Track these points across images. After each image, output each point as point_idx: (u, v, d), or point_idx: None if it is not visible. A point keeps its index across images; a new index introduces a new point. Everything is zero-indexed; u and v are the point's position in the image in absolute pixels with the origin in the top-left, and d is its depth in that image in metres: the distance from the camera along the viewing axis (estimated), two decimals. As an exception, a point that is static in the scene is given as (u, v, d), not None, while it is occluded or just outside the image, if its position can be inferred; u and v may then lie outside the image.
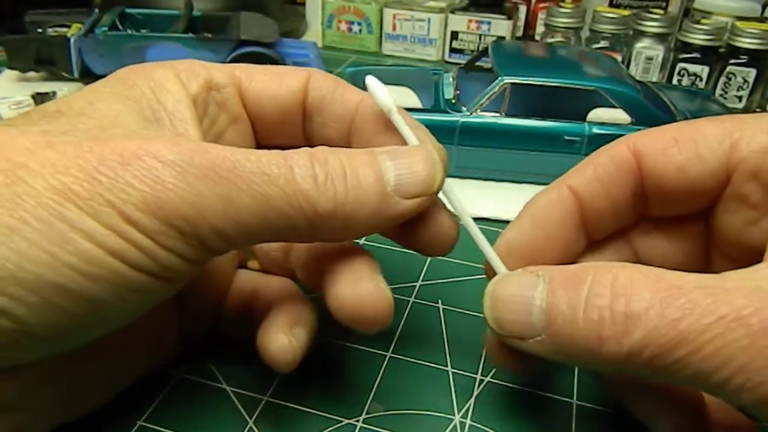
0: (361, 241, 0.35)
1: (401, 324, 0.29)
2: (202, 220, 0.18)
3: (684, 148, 0.22)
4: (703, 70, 0.57)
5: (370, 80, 0.23)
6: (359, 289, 0.21)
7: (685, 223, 0.24)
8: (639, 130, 0.39)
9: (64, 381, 0.21)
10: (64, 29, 0.54)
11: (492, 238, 0.37)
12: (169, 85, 0.23)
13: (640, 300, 0.17)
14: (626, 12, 0.61)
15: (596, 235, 0.24)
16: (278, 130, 0.26)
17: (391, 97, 0.23)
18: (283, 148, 0.20)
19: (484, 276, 0.33)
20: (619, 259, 0.24)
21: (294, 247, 0.26)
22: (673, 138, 0.22)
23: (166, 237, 0.18)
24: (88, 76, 0.52)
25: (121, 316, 0.19)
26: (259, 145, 0.26)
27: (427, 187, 0.21)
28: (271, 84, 0.25)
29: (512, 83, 0.40)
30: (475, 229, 0.23)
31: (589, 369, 0.23)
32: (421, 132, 0.23)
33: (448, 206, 0.23)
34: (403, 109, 0.23)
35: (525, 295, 0.20)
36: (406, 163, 0.21)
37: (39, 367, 0.19)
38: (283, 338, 0.22)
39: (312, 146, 0.21)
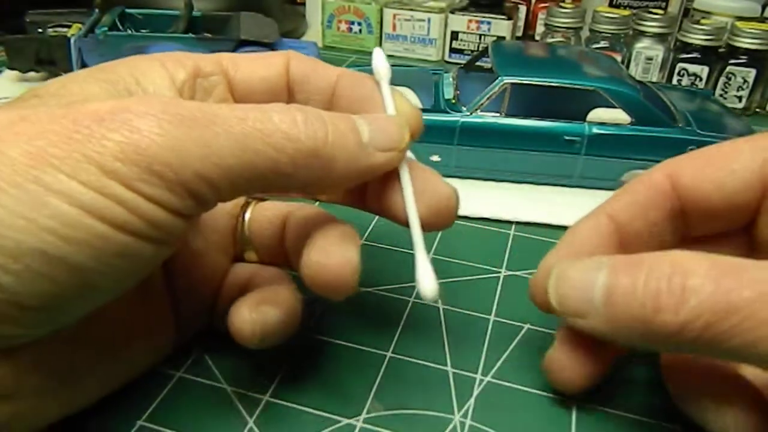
0: (363, 239, 0.35)
1: (401, 324, 0.29)
2: (183, 163, 0.18)
3: (719, 165, 0.23)
4: (703, 70, 0.57)
5: (377, 51, 0.25)
6: (326, 255, 0.21)
7: (729, 239, 0.24)
8: (639, 129, 0.39)
9: (59, 367, 0.20)
10: (64, 29, 0.54)
11: (492, 238, 0.37)
12: (152, 73, 0.23)
13: (697, 276, 0.19)
14: (626, 12, 0.61)
15: None
16: None
17: (388, 70, 0.25)
18: None
19: (485, 276, 0.33)
20: None
21: (288, 234, 0.26)
22: (707, 158, 0.23)
23: (148, 185, 0.17)
24: (88, 76, 0.52)
25: (111, 285, 0.19)
26: None
27: (397, 143, 0.22)
28: (256, 68, 0.25)
29: (512, 83, 0.40)
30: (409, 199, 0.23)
31: (642, 346, 0.23)
32: (400, 100, 0.24)
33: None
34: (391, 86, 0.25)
35: (589, 274, 0.21)
36: (376, 122, 0.22)
37: (33, 351, 0.19)
38: (246, 313, 0.22)
39: None
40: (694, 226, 0.24)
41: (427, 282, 0.22)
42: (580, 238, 0.25)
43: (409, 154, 0.24)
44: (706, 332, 0.18)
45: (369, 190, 0.25)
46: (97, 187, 0.17)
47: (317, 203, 0.31)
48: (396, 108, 0.24)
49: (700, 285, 0.18)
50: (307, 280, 0.22)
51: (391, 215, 0.24)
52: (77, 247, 0.17)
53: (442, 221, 0.24)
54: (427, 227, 0.23)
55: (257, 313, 0.23)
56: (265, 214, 0.27)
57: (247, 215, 0.27)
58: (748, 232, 0.24)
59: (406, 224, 0.23)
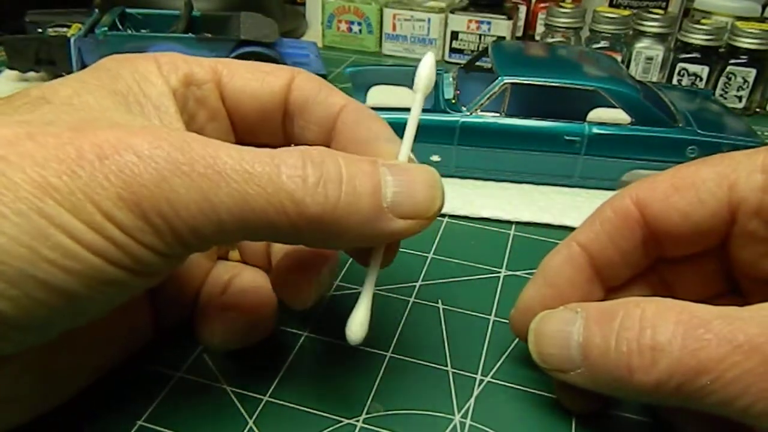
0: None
1: (401, 324, 0.29)
2: (177, 216, 0.18)
3: (685, 194, 0.23)
4: (703, 70, 0.57)
5: (429, 57, 0.22)
6: (298, 279, 0.23)
7: (703, 258, 0.24)
8: (639, 129, 0.39)
9: (43, 370, 0.21)
10: (64, 29, 0.54)
11: (492, 238, 0.37)
12: (152, 77, 0.23)
13: (664, 331, 0.19)
14: (626, 12, 0.61)
15: (613, 282, 0.25)
16: (258, 129, 0.25)
17: (430, 83, 0.22)
18: (264, 147, 0.19)
19: (485, 276, 0.33)
20: (651, 292, 0.25)
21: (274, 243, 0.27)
22: (672, 185, 0.23)
23: (141, 233, 0.18)
24: (88, 76, 0.52)
25: (99, 308, 0.19)
26: (239, 143, 0.25)
27: (425, 211, 0.20)
28: (252, 82, 0.24)
29: (512, 83, 0.40)
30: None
31: (628, 399, 0.24)
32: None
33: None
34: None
35: (564, 330, 0.22)
36: (406, 181, 0.20)
37: (21, 358, 0.19)
38: (208, 317, 0.23)
39: (292, 146, 0.20)
40: (666, 250, 0.24)
41: (355, 324, 0.21)
42: (556, 270, 0.25)
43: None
44: (680, 391, 0.19)
45: None
46: (96, 228, 0.17)
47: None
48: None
49: (668, 344, 0.19)
50: (274, 286, 0.22)
51: (353, 256, 0.24)
52: (74, 277, 0.17)
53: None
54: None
55: (219, 321, 0.23)
56: None
57: None
58: (723, 250, 0.24)
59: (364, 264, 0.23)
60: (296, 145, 0.21)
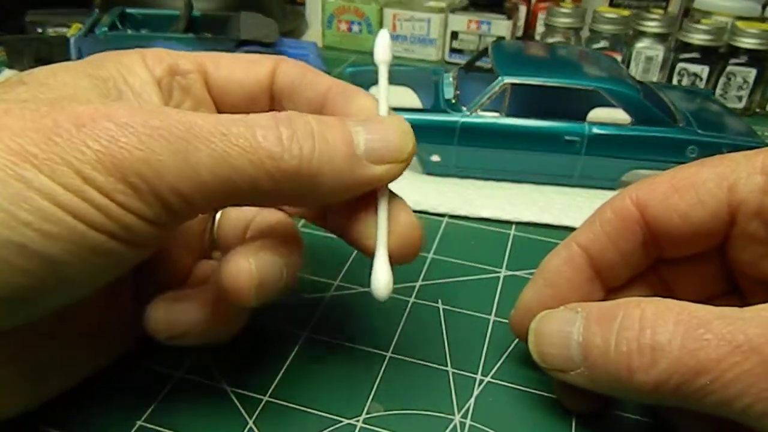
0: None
1: (401, 324, 0.29)
2: (158, 178, 0.18)
3: (684, 195, 0.23)
4: (703, 70, 0.57)
5: (383, 33, 0.24)
6: (229, 260, 0.21)
7: (703, 259, 0.24)
8: (639, 129, 0.39)
9: (27, 361, 0.21)
10: (64, 29, 0.54)
11: (492, 238, 0.37)
12: (136, 68, 0.23)
13: (664, 331, 0.19)
14: (626, 12, 0.61)
15: (613, 283, 0.25)
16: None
17: (390, 55, 0.23)
18: None
19: (485, 276, 0.33)
20: (651, 292, 0.25)
21: (247, 239, 0.26)
22: (672, 186, 0.23)
23: (122, 195, 0.18)
24: (88, 76, 0.52)
25: (86, 280, 0.19)
26: None
27: (398, 154, 0.21)
28: (237, 71, 0.25)
29: (512, 83, 0.40)
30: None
31: (628, 399, 0.24)
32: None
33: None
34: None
35: (564, 330, 0.22)
36: (377, 129, 0.21)
37: (7, 346, 0.19)
38: (158, 309, 0.22)
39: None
40: (666, 251, 0.24)
41: (380, 279, 0.21)
42: (555, 271, 0.25)
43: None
44: (679, 391, 0.19)
45: (330, 209, 0.24)
46: (75, 190, 0.17)
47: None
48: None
49: (668, 344, 0.19)
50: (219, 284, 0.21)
51: (352, 239, 0.23)
52: (54, 241, 0.17)
53: (408, 253, 0.22)
54: (393, 258, 0.22)
55: (166, 311, 0.22)
56: (230, 216, 0.27)
57: (218, 217, 0.27)
58: (723, 251, 0.24)
59: (367, 252, 0.22)
60: None
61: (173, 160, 0.18)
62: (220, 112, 0.26)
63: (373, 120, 0.21)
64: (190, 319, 0.22)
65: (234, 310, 0.23)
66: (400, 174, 0.21)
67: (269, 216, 0.26)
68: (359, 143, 0.20)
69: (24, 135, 0.17)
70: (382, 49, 0.23)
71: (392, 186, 0.23)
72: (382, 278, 0.21)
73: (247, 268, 0.21)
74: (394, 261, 0.22)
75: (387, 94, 0.23)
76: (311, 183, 0.20)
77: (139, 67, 0.23)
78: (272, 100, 0.26)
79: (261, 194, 0.20)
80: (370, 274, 0.22)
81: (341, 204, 0.23)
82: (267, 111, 0.25)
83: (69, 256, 0.17)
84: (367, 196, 0.22)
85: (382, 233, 0.22)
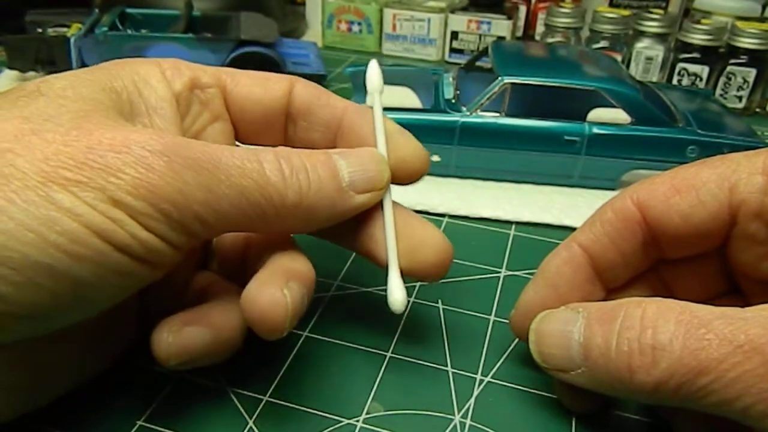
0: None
1: (401, 324, 0.29)
2: (187, 206, 0.19)
3: (685, 196, 0.23)
4: (703, 70, 0.57)
5: (372, 64, 0.26)
6: (261, 290, 0.20)
7: (703, 259, 0.24)
8: (639, 129, 0.39)
9: (29, 366, 0.21)
10: (64, 29, 0.54)
11: (492, 238, 0.37)
12: (153, 81, 0.23)
13: (665, 331, 0.19)
14: (626, 12, 0.61)
15: (613, 283, 0.25)
16: (259, 132, 0.27)
17: (380, 84, 0.26)
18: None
19: (485, 276, 0.33)
20: (652, 293, 0.25)
21: (248, 254, 0.25)
22: (673, 187, 0.23)
23: (152, 220, 0.19)
24: (88, 76, 0.52)
25: (102, 299, 0.19)
26: (240, 144, 0.27)
27: (377, 183, 0.24)
28: (255, 88, 0.26)
29: (512, 83, 0.40)
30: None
31: (629, 399, 0.24)
32: (406, 142, 0.26)
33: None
34: (383, 113, 0.26)
35: (565, 330, 0.22)
36: (357, 162, 0.23)
37: (13, 348, 0.19)
38: (164, 335, 0.21)
39: (293, 148, 0.23)
40: (666, 251, 0.24)
41: (397, 294, 0.23)
42: (556, 271, 0.25)
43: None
44: (680, 391, 0.19)
45: (344, 227, 0.25)
46: (104, 212, 0.18)
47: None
48: (395, 145, 0.25)
49: (669, 342, 0.19)
50: (243, 313, 0.21)
51: (364, 251, 0.25)
52: (81, 263, 0.18)
53: (435, 273, 0.25)
54: (422, 277, 0.25)
55: (177, 334, 0.21)
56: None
57: None
58: (724, 251, 0.24)
59: (380, 264, 0.25)
60: (297, 147, 0.23)
61: (200, 190, 0.19)
62: (236, 127, 0.27)
63: (351, 153, 0.24)
64: (199, 343, 0.22)
65: (240, 331, 0.23)
66: (379, 199, 0.24)
67: (266, 240, 0.25)
68: (344, 176, 0.23)
69: (56, 159, 0.17)
70: (373, 79, 0.26)
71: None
72: (395, 293, 0.23)
73: (283, 301, 0.20)
74: (421, 278, 0.25)
75: (383, 125, 0.25)
76: (308, 215, 0.22)
77: (156, 80, 0.24)
78: (288, 118, 0.27)
79: (265, 223, 0.21)
80: (386, 288, 0.24)
81: (348, 221, 0.24)
82: (282, 127, 0.27)
83: (91, 276, 0.18)
84: (374, 210, 0.24)
85: (392, 249, 0.24)
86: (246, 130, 0.27)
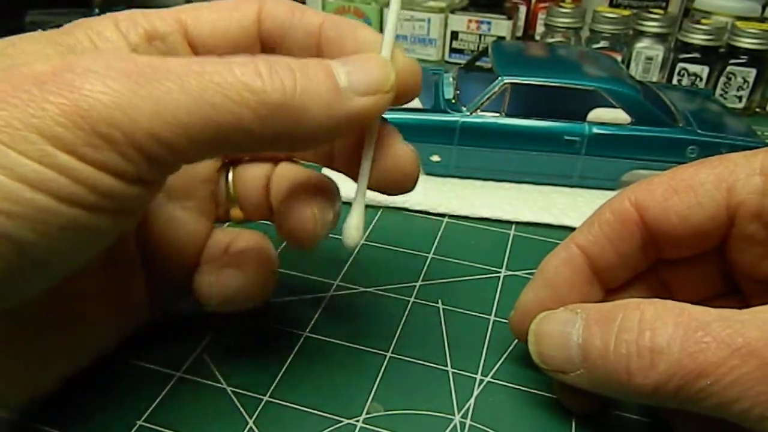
0: (362, 242, 0.35)
1: (401, 324, 0.29)
2: (132, 123, 0.16)
3: (683, 197, 0.23)
4: (703, 70, 0.57)
5: None
6: (300, 211, 0.23)
7: (702, 259, 0.24)
8: (639, 129, 0.39)
9: (24, 347, 0.20)
10: (64, 29, 0.54)
11: (492, 238, 0.37)
12: (107, 32, 0.21)
13: (663, 333, 0.19)
14: (626, 12, 0.61)
15: (612, 284, 0.25)
16: None
17: None
18: None
19: (485, 276, 0.33)
20: (651, 293, 0.25)
21: (272, 189, 0.26)
22: (670, 188, 0.23)
23: (95, 150, 0.16)
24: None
25: (63, 260, 0.17)
26: None
27: (382, 84, 0.20)
28: (219, 22, 0.23)
29: (512, 83, 0.40)
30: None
31: (627, 401, 0.24)
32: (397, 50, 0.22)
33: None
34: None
35: (564, 331, 0.22)
36: (358, 62, 0.20)
37: (13, 333, 0.19)
38: (206, 276, 0.24)
39: None
40: (665, 252, 0.24)
41: (351, 228, 0.23)
42: (554, 272, 0.25)
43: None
44: (678, 393, 0.19)
45: (338, 148, 0.24)
46: (39, 157, 0.15)
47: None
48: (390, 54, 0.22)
49: (667, 346, 0.19)
50: (283, 233, 0.23)
51: (336, 167, 0.25)
52: (20, 221, 0.15)
53: (401, 182, 0.23)
54: (385, 189, 0.23)
55: (217, 276, 0.23)
56: (248, 172, 0.27)
57: (230, 176, 0.27)
58: (722, 251, 0.24)
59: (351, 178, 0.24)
60: None
61: (145, 102, 0.16)
62: None
63: (350, 58, 0.21)
64: (239, 283, 0.24)
65: (272, 274, 0.25)
66: (386, 106, 0.21)
67: (288, 169, 0.26)
68: (340, 75, 0.20)
69: None
70: None
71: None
72: (350, 225, 0.23)
73: (312, 215, 0.22)
74: (387, 190, 0.23)
75: (395, 28, 0.22)
76: (298, 119, 0.19)
77: (111, 32, 0.21)
78: (264, 47, 0.24)
79: (248, 135, 0.18)
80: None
81: (345, 145, 0.24)
82: None
83: (38, 235, 0.16)
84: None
85: (363, 180, 0.22)
86: None
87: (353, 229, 0.23)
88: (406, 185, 0.23)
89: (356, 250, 0.29)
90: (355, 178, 0.23)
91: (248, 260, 0.25)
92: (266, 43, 0.23)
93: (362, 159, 0.22)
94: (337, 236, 0.24)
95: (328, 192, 0.24)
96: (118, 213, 0.17)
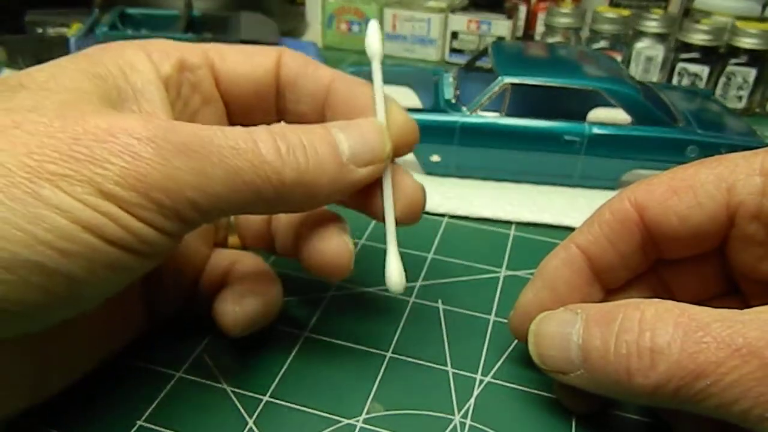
0: (361, 242, 0.35)
1: (401, 324, 0.29)
2: (179, 192, 0.18)
3: (683, 197, 0.23)
4: (703, 70, 0.57)
5: (372, 24, 0.25)
6: (326, 242, 0.24)
7: (702, 259, 0.24)
8: (639, 129, 0.39)
9: (38, 357, 0.21)
10: (64, 29, 0.54)
11: (492, 238, 0.37)
12: (139, 65, 0.23)
13: (664, 334, 0.19)
14: (626, 12, 0.61)
15: (612, 284, 0.25)
16: (251, 109, 0.26)
17: (380, 49, 0.25)
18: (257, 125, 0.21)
19: (485, 276, 0.33)
20: (651, 293, 0.25)
21: (275, 217, 0.27)
22: (670, 188, 0.23)
23: (144, 210, 0.18)
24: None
25: (97, 293, 0.19)
26: (232, 124, 0.26)
27: (379, 156, 0.23)
28: (243, 63, 0.25)
29: (512, 83, 0.40)
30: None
31: (627, 401, 0.24)
32: (395, 109, 0.25)
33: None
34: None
35: (564, 332, 0.22)
36: (357, 134, 0.23)
37: (17, 343, 0.19)
38: (230, 306, 0.24)
39: (286, 123, 0.22)
40: (665, 252, 0.24)
41: (395, 276, 0.24)
42: (554, 272, 0.25)
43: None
44: (678, 394, 0.19)
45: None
46: (94, 206, 0.17)
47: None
48: (387, 115, 0.24)
49: (667, 347, 0.19)
50: (308, 264, 0.24)
51: (369, 213, 0.25)
52: (71, 259, 0.17)
53: (412, 216, 0.25)
54: (398, 222, 0.25)
55: (240, 305, 0.24)
56: None
57: None
58: (722, 251, 0.24)
59: (381, 220, 0.25)
60: (289, 121, 0.23)
61: (192, 175, 0.19)
62: (227, 104, 0.26)
63: (351, 125, 0.23)
64: (260, 309, 0.25)
65: (280, 296, 0.26)
66: (382, 172, 0.24)
67: None
68: (344, 150, 0.22)
69: (41, 152, 0.17)
70: (372, 44, 0.25)
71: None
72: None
73: (347, 248, 0.24)
74: (401, 223, 0.25)
75: (382, 91, 0.24)
76: (307, 191, 0.21)
77: (143, 64, 0.23)
78: (278, 91, 0.26)
79: (264, 204, 0.21)
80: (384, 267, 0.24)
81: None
82: (273, 101, 0.26)
83: (84, 272, 0.18)
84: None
85: (390, 231, 0.24)
86: (238, 109, 0.26)
87: (396, 276, 0.24)
88: (417, 218, 0.25)
89: (356, 250, 0.29)
90: (364, 211, 0.25)
91: (262, 285, 0.26)
92: (279, 89, 0.26)
93: (384, 206, 0.24)
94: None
95: (340, 218, 0.25)
96: (150, 256, 0.19)
